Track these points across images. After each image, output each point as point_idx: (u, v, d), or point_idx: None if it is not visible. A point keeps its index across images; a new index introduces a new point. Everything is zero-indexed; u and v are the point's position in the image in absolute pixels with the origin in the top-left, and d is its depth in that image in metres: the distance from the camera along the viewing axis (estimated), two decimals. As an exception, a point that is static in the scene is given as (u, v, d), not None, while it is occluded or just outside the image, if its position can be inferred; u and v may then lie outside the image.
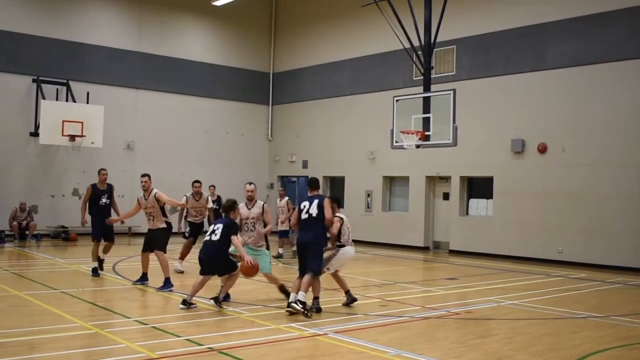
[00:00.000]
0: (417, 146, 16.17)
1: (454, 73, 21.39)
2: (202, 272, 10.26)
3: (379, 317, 10.02)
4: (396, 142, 16.41)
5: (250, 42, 28.45)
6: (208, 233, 10.20)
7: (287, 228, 18.57)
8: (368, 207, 24.10)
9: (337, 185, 26.17)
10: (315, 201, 10.15)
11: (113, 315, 9.48)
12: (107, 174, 14.62)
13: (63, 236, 22.08)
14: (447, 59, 21.63)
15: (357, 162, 24.68)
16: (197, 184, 16.13)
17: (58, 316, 9.34)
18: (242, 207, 10.94)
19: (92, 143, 21.83)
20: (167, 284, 12.05)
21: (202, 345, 7.77)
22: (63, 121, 21.14)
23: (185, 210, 15.71)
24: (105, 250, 14.14)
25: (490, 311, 10.73)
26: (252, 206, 11.07)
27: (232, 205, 10.52)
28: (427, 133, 15.73)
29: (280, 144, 28.51)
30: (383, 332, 8.99)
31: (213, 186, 22.56)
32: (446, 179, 22.01)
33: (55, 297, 11.04)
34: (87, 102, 22.83)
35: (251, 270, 10.03)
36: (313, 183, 10.62)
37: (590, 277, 15.93)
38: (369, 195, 24.14)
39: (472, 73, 21.08)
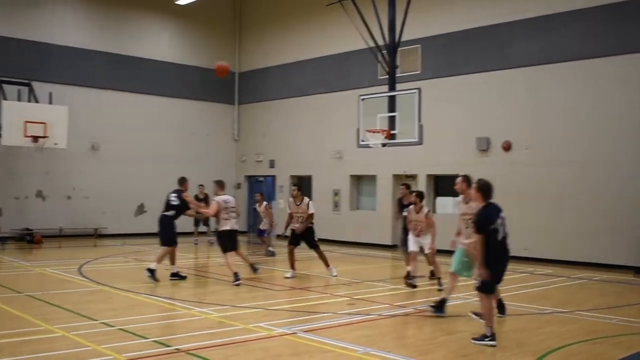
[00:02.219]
0: (383, 145, 16.25)
1: (419, 72, 21.49)
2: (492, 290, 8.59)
3: (347, 315, 10.05)
4: (362, 141, 16.47)
5: (216, 41, 28.31)
6: (500, 232, 8.35)
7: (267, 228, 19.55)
8: (336, 206, 24.15)
9: (304, 184, 26.16)
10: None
11: (79, 318, 9.37)
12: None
13: (28, 239, 21.77)
14: (411, 57, 21.74)
15: (324, 161, 24.71)
16: (294, 188, 15.44)
17: (23, 319, 9.21)
18: (459, 203, 10.29)
19: (56, 144, 21.53)
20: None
21: (169, 346, 7.73)
22: (26, 122, 20.82)
23: (290, 216, 14.78)
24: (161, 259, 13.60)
25: (457, 308, 10.80)
26: (469, 201, 9.92)
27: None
28: (392, 132, 15.82)
29: (247, 144, 28.43)
30: (351, 330, 9.03)
31: (202, 185, 22.46)
32: (413, 177, 22.13)
33: (20, 301, 10.89)
34: (50, 103, 22.48)
35: None
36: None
37: (555, 273, 16.15)
38: (336, 194, 24.18)
39: (436, 72, 21.21)
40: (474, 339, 8.33)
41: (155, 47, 26.56)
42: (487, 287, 8.35)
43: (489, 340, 8.19)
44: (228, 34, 28.73)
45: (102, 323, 9.02)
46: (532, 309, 10.87)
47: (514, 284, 14.02)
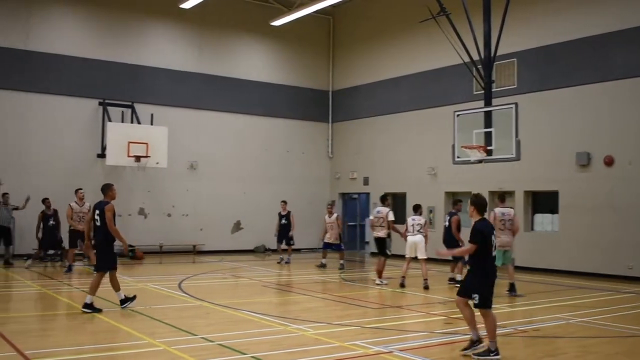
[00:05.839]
0: (480, 161, 15.99)
1: (515, 86, 21.09)
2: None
3: (444, 334, 9.91)
4: (458, 157, 16.25)
5: (309, 60, 28.67)
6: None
7: (336, 242, 20.43)
8: (430, 223, 23.86)
9: (398, 201, 26.04)
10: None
11: (180, 333, 9.60)
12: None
13: (130, 255, 22.45)
14: (507, 72, 21.37)
15: (418, 178, 24.54)
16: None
17: (126, 333, 9.52)
18: None
19: (157, 163, 22.29)
20: None
21: (267, 362, 7.81)
22: (128, 142, 21.67)
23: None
24: None
25: (558, 329, 10.50)
26: None
27: None
28: (489, 148, 15.55)
29: (341, 161, 28.58)
30: (448, 350, 8.90)
31: (284, 202, 22.69)
32: (510, 194, 21.67)
33: (123, 315, 11.27)
34: (152, 124, 23.33)
35: None
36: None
37: (662, 293, 15.44)
38: (431, 212, 23.92)
39: (533, 86, 20.75)
40: (476, 354, 8.28)
41: (251, 68, 27.11)
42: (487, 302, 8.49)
43: (494, 355, 8.17)
44: (321, 52, 29.03)
45: (202, 338, 9.21)
46: (637, 331, 10.41)
47: (617, 305, 13.50)
